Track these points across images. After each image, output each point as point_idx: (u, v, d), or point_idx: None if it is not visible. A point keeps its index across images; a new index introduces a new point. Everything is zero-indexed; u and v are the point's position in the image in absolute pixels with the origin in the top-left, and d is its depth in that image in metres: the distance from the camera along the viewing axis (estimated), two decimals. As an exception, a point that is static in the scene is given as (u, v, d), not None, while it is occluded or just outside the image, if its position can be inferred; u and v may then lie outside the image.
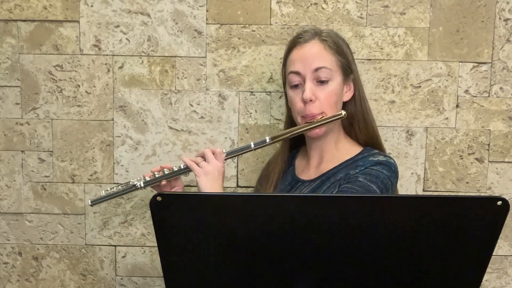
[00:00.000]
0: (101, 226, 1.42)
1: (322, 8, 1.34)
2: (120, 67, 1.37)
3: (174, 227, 0.68)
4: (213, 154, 1.07)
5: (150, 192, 1.35)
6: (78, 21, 1.36)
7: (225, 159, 1.09)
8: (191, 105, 1.38)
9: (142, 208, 1.41)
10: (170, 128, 1.39)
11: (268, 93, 1.37)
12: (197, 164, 1.06)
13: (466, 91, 1.36)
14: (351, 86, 1.12)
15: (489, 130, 1.36)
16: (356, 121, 1.13)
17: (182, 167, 1.10)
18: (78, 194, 1.41)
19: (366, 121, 1.13)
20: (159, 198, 0.65)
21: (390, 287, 0.70)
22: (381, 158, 1.05)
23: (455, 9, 1.34)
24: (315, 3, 1.34)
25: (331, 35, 1.10)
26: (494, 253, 0.69)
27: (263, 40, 1.35)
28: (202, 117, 1.38)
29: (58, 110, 1.39)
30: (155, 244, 0.70)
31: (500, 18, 1.34)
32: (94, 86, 1.38)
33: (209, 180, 1.03)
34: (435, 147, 1.37)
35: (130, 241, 1.43)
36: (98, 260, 1.43)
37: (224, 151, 1.09)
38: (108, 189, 1.18)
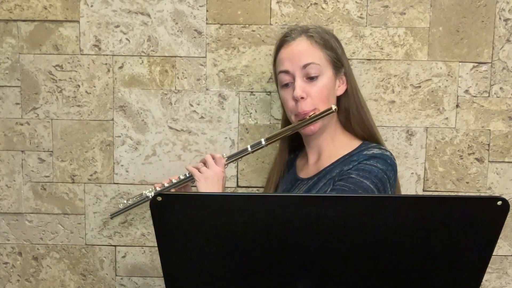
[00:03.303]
0: (101, 226, 1.42)
1: (322, 8, 1.34)
2: (120, 67, 1.37)
3: (174, 227, 0.68)
4: (213, 159, 1.08)
5: (150, 192, 1.35)
6: (78, 21, 1.36)
7: (226, 164, 1.10)
8: (191, 105, 1.38)
9: (142, 208, 1.40)
10: (170, 128, 1.39)
11: (268, 93, 1.37)
12: (198, 170, 1.07)
13: (466, 91, 1.36)
14: (343, 79, 1.10)
15: (489, 130, 1.36)
16: (352, 115, 1.11)
17: (187, 175, 1.12)
18: (78, 194, 1.41)
19: (360, 114, 1.11)
20: (159, 198, 0.65)
21: (390, 287, 0.70)
22: (375, 151, 1.02)
23: (455, 9, 1.34)
24: (315, 3, 1.34)
25: (317, 30, 1.09)
26: (494, 253, 0.69)
27: (263, 40, 1.35)
28: (202, 117, 1.38)
29: (58, 110, 1.39)
30: (155, 244, 0.70)
31: (500, 18, 1.34)
32: (94, 86, 1.38)
33: (208, 184, 1.05)
34: (435, 147, 1.37)
35: (130, 241, 1.43)
36: (98, 260, 1.43)
37: (224, 155, 1.10)
38: (125, 201, 1.27)
